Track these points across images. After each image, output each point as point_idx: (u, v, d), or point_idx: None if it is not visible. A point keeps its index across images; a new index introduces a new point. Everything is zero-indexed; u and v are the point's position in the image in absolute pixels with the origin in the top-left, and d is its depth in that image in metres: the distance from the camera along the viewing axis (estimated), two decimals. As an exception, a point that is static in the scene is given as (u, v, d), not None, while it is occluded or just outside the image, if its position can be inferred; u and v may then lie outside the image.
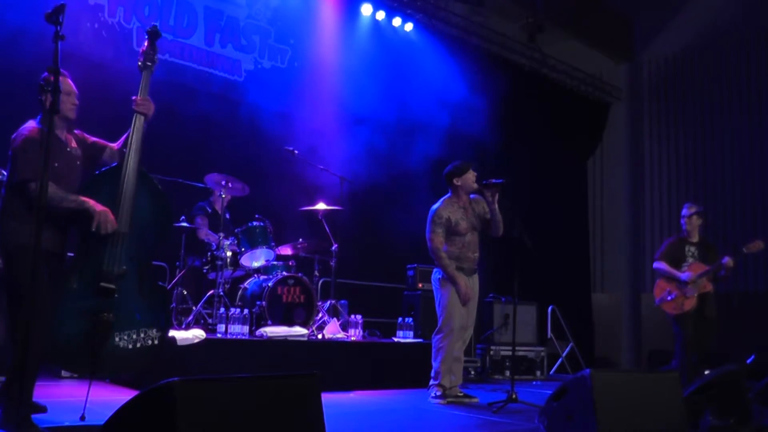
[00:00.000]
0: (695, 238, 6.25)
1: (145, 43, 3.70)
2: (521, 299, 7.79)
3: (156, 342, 3.66)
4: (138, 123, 3.62)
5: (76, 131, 3.72)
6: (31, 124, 3.50)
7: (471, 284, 5.31)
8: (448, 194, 5.29)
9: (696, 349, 5.95)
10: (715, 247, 6.32)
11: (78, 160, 3.65)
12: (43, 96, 3.16)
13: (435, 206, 5.23)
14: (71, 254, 3.66)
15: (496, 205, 5.13)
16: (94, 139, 3.78)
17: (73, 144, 3.66)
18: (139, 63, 3.69)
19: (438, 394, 5.16)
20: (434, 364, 5.21)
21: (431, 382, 5.24)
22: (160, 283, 3.79)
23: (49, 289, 3.32)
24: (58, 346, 3.43)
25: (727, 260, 5.95)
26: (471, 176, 5.22)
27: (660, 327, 6.97)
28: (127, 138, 3.66)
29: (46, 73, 3.10)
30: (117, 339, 3.51)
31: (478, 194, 5.30)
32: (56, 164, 3.38)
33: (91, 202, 3.44)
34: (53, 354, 3.48)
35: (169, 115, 6.07)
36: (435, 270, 5.34)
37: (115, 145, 3.79)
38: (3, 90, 5.60)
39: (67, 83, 3.55)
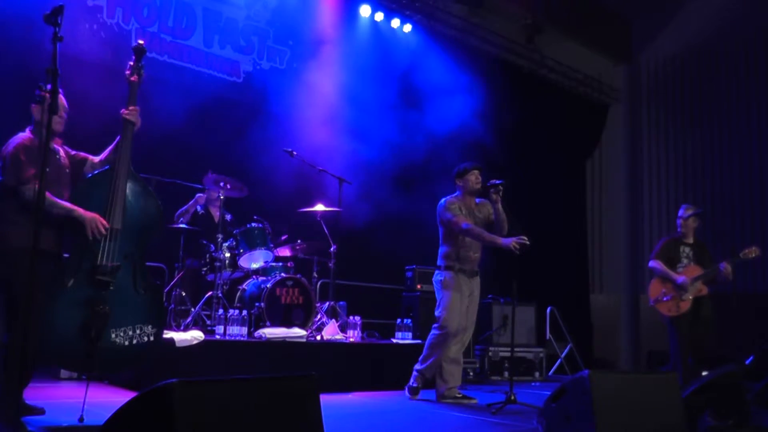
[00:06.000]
0: (690, 239, 6.26)
1: (132, 59, 3.88)
2: (520, 300, 7.81)
3: (152, 338, 3.70)
4: (128, 131, 3.79)
5: (63, 146, 3.87)
6: (22, 134, 3.62)
7: (472, 286, 5.34)
8: (456, 193, 5.40)
9: (692, 350, 5.95)
10: (709, 250, 6.34)
11: (66, 168, 3.80)
12: (38, 98, 3.19)
13: (443, 200, 5.36)
14: (66, 255, 3.70)
15: (500, 205, 5.17)
16: (75, 152, 3.93)
17: (62, 154, 3.80)
18: (127, 76, 3.87)
19: (413, 386, 5.35)
20: (425, 351, 5.33)
21: (416, 366, 5.36)
22: (155, 281, 3.81)
23: (44, 289, 3.35)
24: (56, 344, 3.46)
25: (725, 267, 5.93)
26: (472, 178, 5.29)
27: (658, 328, 6.96)
28: (109, 152, 3.85)
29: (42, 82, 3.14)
30: (113, 335, 3.55)
31: (483, 198, 5.39)
32: (47, 170, 3.40)
33: (79, 210, 3.55)
34: (50, 352, 3.51)
35: (167, 116, 6.08)
36: (436, 272, 5.39)
37: (96, 159, 3.92)
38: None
39: (60, 98, 3.66)
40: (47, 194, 3.35)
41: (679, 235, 6.30)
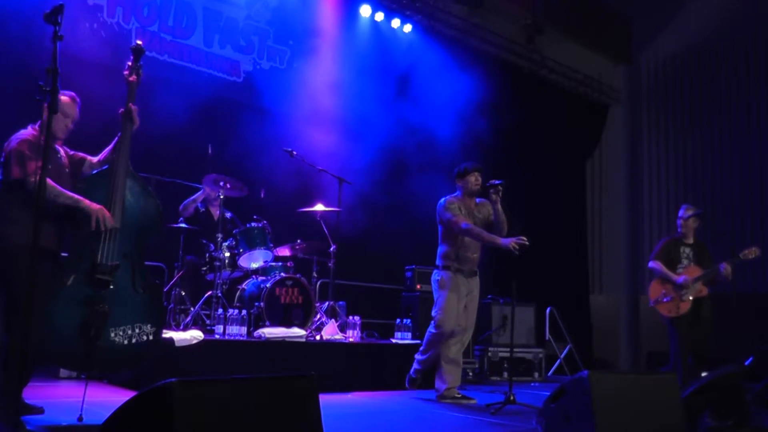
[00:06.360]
0: (690, 239, 6.26)
1: (131, 59, 3.90)
2: (519, 300, 7.80)
3: (151, 338, 3.70)
4: (126, 130, 3.81)
5: (63, 146, 3.88)
6: (24, 131, 3.63)
7: (471, 286, 5.34)
8: (456, 193, 5.40)
9: (692, 351, 5.95)
10: (709, 250, 6.33)
11: (66, 168, 3.81)
12: (41, 96, 3.19)
13: (442, 199, 5.36)
14: (65, 254, 3.70)
15: (499, 206, 5.17)
16: (74, 152, 3.94)
17: (62, 153, 3.82)
18: (125, 76, 3.88)
19: (413, 377, 5.46)
20: (423, 345, 5.39)
21: (416, 355, 5.44)
22: (154, 280, 3.81)
23: (44, 287, 3.35)
24: (55, 343, 3.46)
25: (725, 267, 5.93)
26: (472, 179, 5.30)
27: (658, 328, 6.97)
28: (108, 152, 3.86)
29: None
30: (112, 334, 3.56)
31: (483, 198, 5.40)
32: (49, 166, 3.41)
33: (86, 201, 3.56)
34: (50, 351, 3.51)
35: (167, 115, 6.08)
36: (434, 271, 5.39)
37: (95, 159, 3.93)
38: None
39: (72, 108, 3.74)
40: (52, 183, 3.39)
41: (679, 236, 6.30)
